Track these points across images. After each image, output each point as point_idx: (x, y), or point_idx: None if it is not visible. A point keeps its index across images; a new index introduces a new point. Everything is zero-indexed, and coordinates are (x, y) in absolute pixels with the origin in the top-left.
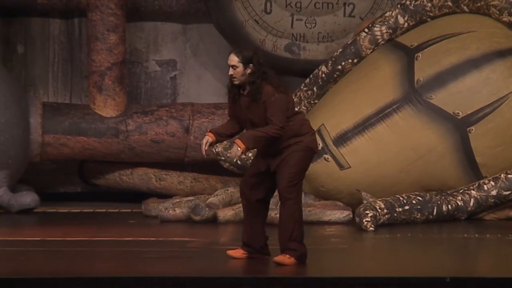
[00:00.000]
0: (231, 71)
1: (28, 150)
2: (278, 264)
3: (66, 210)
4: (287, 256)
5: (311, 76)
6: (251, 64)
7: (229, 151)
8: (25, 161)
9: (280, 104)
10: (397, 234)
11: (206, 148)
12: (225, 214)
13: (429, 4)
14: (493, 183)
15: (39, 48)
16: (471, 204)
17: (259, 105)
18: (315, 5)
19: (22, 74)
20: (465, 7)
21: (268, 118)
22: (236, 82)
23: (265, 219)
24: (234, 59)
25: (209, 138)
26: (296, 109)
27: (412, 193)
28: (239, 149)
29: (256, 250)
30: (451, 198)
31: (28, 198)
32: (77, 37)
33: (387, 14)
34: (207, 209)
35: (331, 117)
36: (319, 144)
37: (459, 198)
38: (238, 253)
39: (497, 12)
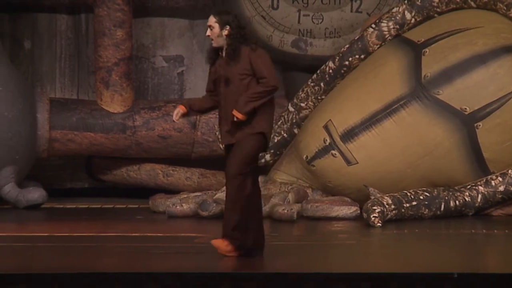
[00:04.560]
0: (208, 32)
1: (35, 145)
2: (215, 248)
3: (74, 206)
4: (226, 242)
5: (318, 71)
6: (227, 26)
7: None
8: (32, 156)
9: (267, 59)
10: (404, 230)
11: (177, 119)
12: None
13: (436, 0)
14: (500, 179)
15: (46, 44)
16: (479, 199)
17: (236, 65)
18: (322, 0)
19: (29, 70)
20: (472, 3)
21: (260, 76)
22: (213, 44)
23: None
24: (211, 20)
25: (179, 109)
26: (302, 104)
27: (420, 189)
28: (236, 119)
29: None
30: (458, 194)
31: (35, 193)
32: (84, 32)
33: (394, 10)
34: (214, 204)
35: (338, 112)
36: (327, 140)
37: (467, 193)
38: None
39: (504, 7)
